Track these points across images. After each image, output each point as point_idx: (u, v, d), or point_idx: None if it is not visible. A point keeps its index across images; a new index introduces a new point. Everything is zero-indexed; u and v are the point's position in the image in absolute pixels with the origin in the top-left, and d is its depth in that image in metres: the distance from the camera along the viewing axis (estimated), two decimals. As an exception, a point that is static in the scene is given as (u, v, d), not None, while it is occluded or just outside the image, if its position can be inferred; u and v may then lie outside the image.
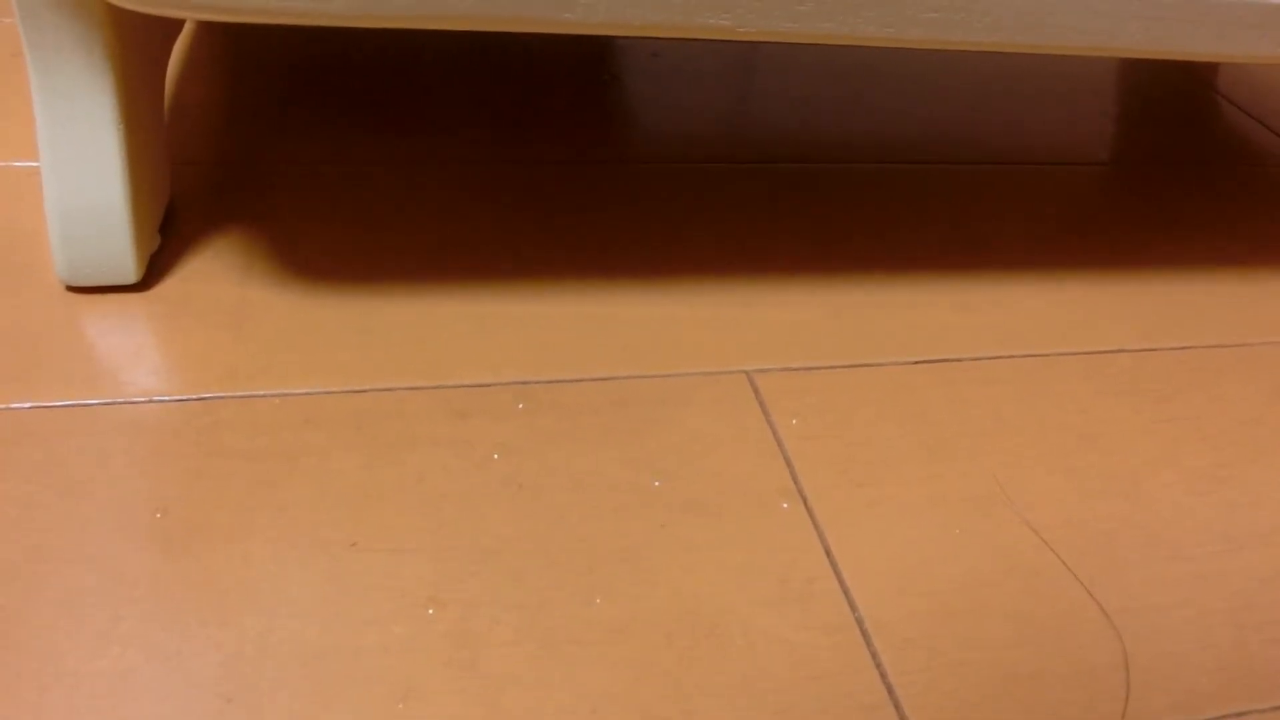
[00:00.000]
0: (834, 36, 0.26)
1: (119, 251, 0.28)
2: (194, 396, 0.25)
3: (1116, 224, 0.38)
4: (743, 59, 0.47)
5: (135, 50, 0.28)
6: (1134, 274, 0.35)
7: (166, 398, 0.25)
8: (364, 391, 0.26)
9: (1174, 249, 0.37)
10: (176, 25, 0.35)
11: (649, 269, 0.32)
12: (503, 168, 0.36)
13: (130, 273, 0.28)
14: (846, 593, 0.23)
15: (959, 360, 0.30)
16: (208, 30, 0.42)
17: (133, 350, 0.26)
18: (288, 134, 0.36)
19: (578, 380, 0.27)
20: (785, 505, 0.24)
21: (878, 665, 0.21)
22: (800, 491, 0.25)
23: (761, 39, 0.26)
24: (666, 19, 0.25)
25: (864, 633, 0.22)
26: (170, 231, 0.31)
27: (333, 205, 0.33)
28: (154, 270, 0.29)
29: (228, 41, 0.42)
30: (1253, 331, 0.33)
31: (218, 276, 0.29)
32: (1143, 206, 0.39)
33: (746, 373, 0.28)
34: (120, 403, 0.25)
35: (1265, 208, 0.41)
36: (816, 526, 0.24)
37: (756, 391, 0.28)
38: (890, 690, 0.21)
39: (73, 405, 0.24)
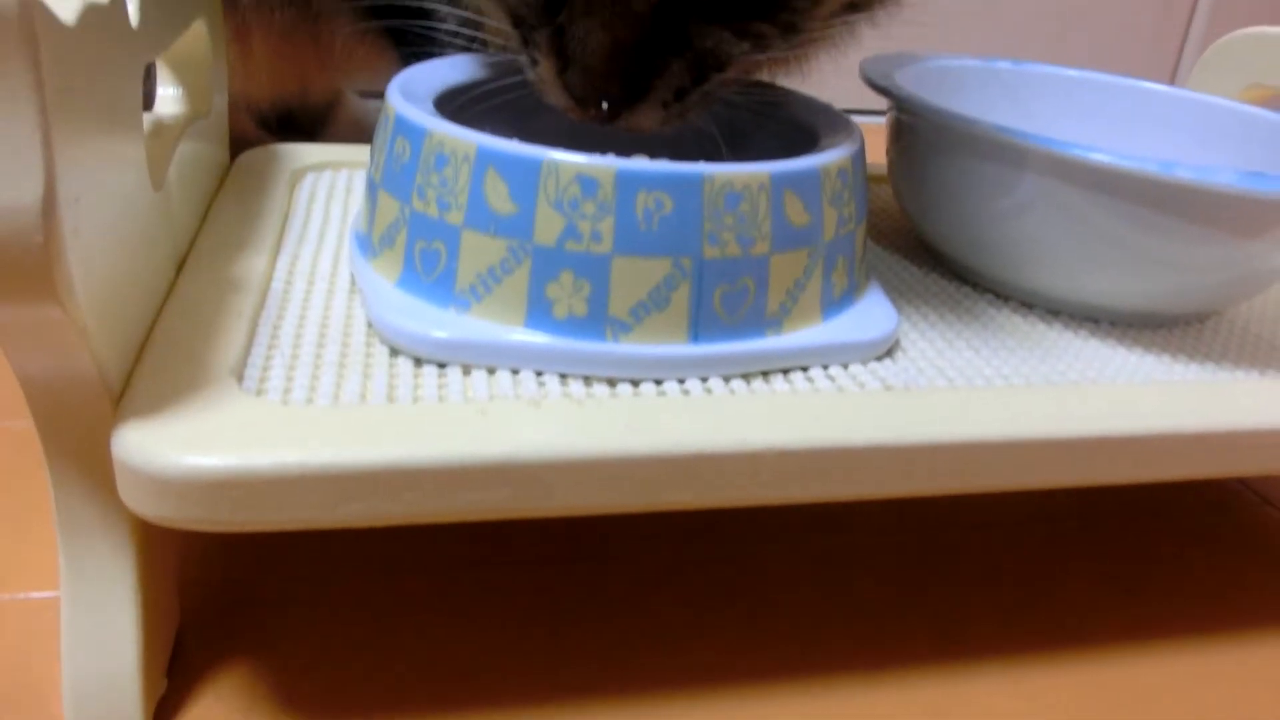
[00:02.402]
0: (790, 499, 0.29)
1: (128, 714, 0.29)
2: None
3: (1081, 593, 0.40)
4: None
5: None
6: (1100, 655, 0.37)
7: None
8: None
9: (1140, 623, 0.39)
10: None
11: (634, 684, 0.33)
12: (498, 571, 0.38)
13: (136, 732, 0.29)
14: None
15: (935, 778, 0.31)
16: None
17: (134, 823, 0.27)
18: (294, 547, 0.38)
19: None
20: None
21: None
22: None
23: (721, 506, 0.29)
24: (632, 499, 0.28)
25: None
26: (176, 665, 0.32)
27: (335, 629, 0.35)
28: (158, 717, 0.30)
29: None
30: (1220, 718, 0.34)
31: (219, 722, 0.31)
32: (1108, 573, 0.41)
33: (729, 812, 0.29)
34: None
35: (1236, 574, 0.43)
36: None
37: (739, 835, 0.28)
38: None
39: None
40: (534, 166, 0.29)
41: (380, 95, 0.34)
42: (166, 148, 0.35)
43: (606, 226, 0.29)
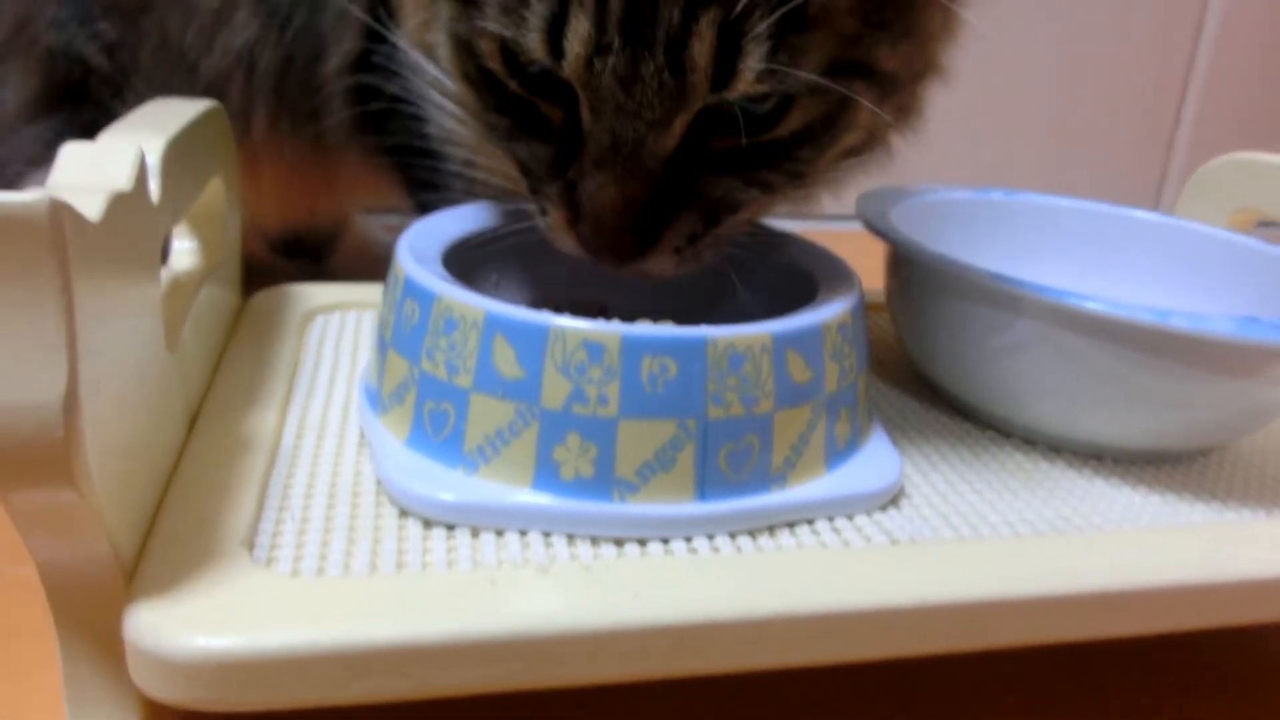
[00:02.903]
0: (801, 663, 0.29)
1: None
2: None
3: (1094, 733, 0.39)
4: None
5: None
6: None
7: None
8: None
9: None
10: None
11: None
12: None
13: None
14: None
15: None
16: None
17: None
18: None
19: None
20: None
21: None
22: None
23: (734, 671, 0.29)
24: (643, 669, 0.28)
25: None
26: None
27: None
28: None
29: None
30: None
31: None
32: (1122, 712, 0.41)
33: None
34: None
35: (1258, 712, 0.42)
36: None
37: None
38: None
39: None
40: (541, 333, 0.30)
41: (386, 212, 0.35)
42: (183, 306, 0.36)
43: (612, 390, 0.30)
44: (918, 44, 0.36)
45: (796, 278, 0.39)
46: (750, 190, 0.35)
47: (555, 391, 0.30)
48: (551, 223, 0.36)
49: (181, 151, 0.34)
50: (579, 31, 0.30)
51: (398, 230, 0.38)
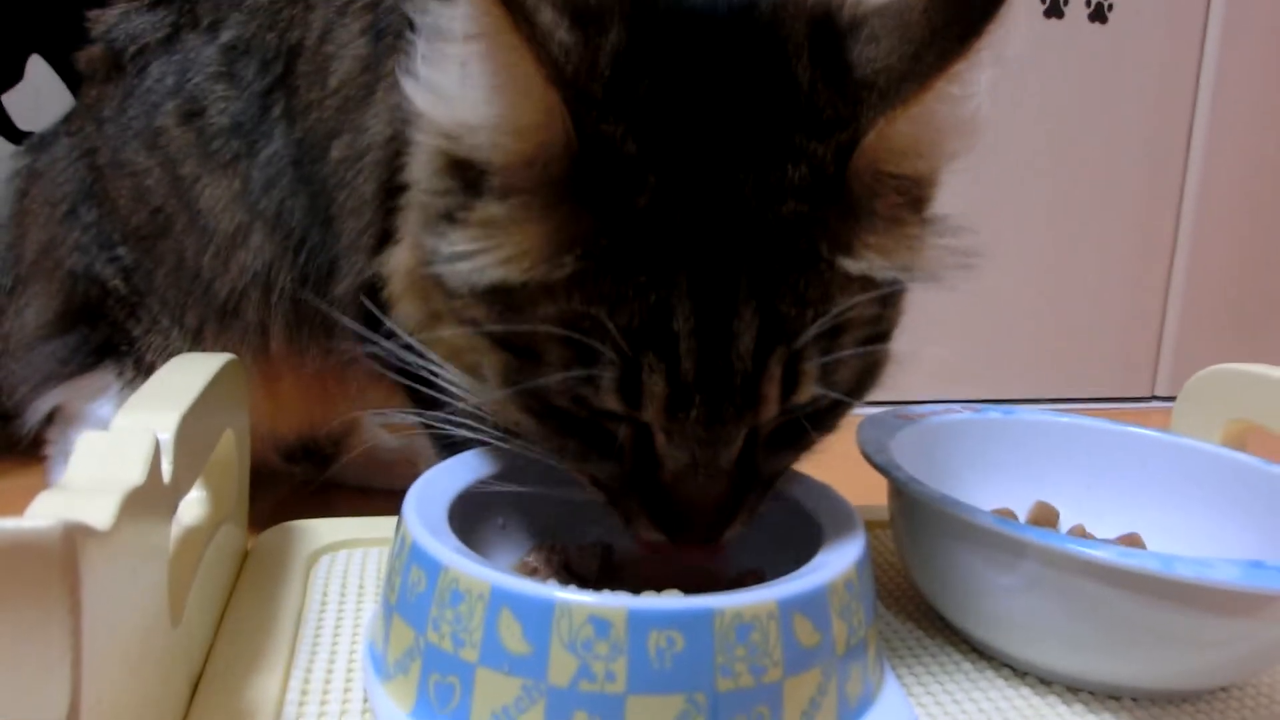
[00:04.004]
0: None
1: None
2: None
3: None
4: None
5: None
6: None
7: None
8: None
9: None
10: None
11: None
12: None
13: None
14: None
15: None
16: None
17: None
18: None
19: None
20: None
21: None
22: None
23: None
24: None
25: None
26: None
27: None
28: None
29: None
30: None
31: None
32: None
33: None
34: None
35: None
36: None
37: None
38: None
39: None
40: (547, 608, 0.30)
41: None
42: (190, 568, 0.36)
43: (620, 666, 0.29)
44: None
45: (798, 517, 0.39)
46: (799, 453, 0.37)
47: (562, 668, 0.30)
48: (637, 528, 0.36)
49: (196, 420, 0.35)
50: (655, 391, 0.32)
51: (402, 430, 0.37)
